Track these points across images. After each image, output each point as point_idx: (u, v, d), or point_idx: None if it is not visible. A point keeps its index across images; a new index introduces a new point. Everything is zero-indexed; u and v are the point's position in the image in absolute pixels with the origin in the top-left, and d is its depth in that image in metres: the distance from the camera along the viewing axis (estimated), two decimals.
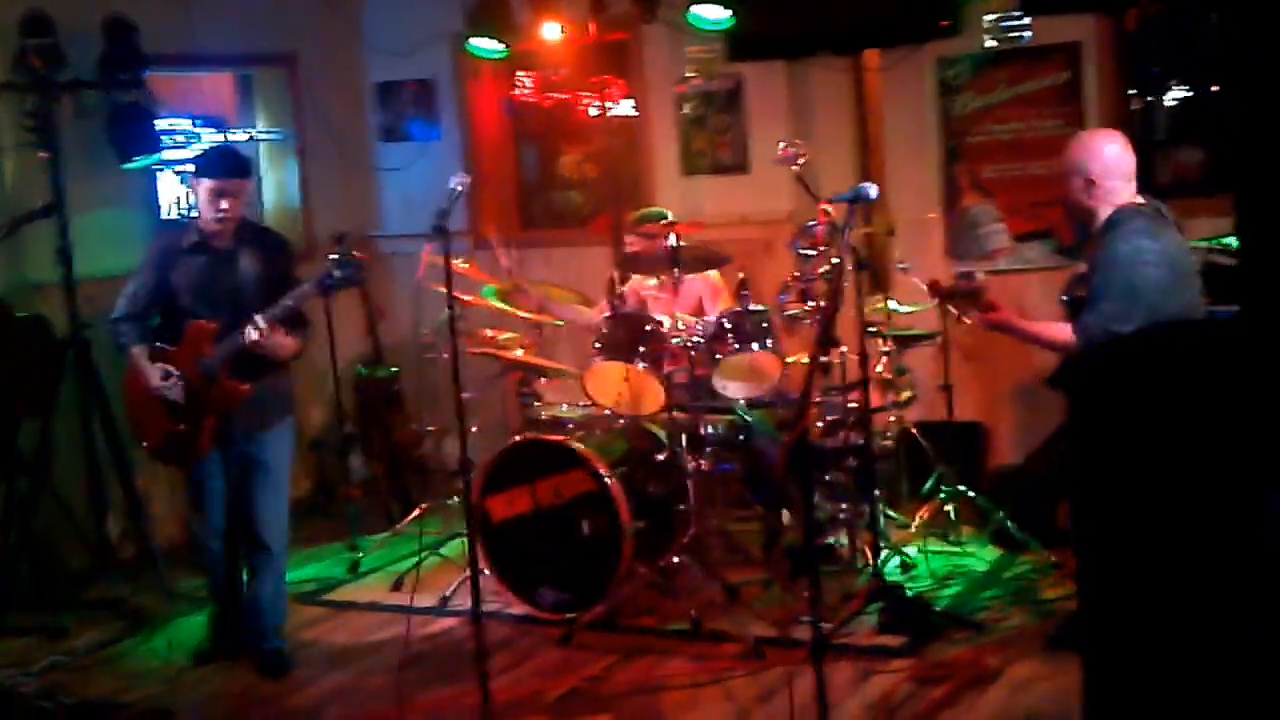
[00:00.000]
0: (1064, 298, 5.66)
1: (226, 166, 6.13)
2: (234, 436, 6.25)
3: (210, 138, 8.93)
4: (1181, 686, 4.01)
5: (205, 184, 6.08)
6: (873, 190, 5.37)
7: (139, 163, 7.96)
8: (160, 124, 8.35)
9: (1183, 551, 4.19)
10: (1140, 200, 5.45)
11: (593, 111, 8.57)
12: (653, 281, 7.44)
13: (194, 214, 6.30)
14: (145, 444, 6.43)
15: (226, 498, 6.37)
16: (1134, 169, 5.46)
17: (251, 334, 5.89)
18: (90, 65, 7.81)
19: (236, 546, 6.46)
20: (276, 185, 9.50)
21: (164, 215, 8.66)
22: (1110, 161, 5.41)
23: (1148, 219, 5.36)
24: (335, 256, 5.95)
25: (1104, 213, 5.40)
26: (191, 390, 6.13)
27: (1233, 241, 6.29)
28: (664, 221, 7.07)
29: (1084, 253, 5.74)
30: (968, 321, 6.52)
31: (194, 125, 8.92)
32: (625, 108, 9.06)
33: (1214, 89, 7.50)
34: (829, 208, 6.41)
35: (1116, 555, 4.75)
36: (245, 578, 6.49)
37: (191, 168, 6.49)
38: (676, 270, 6.69)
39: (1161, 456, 4.64)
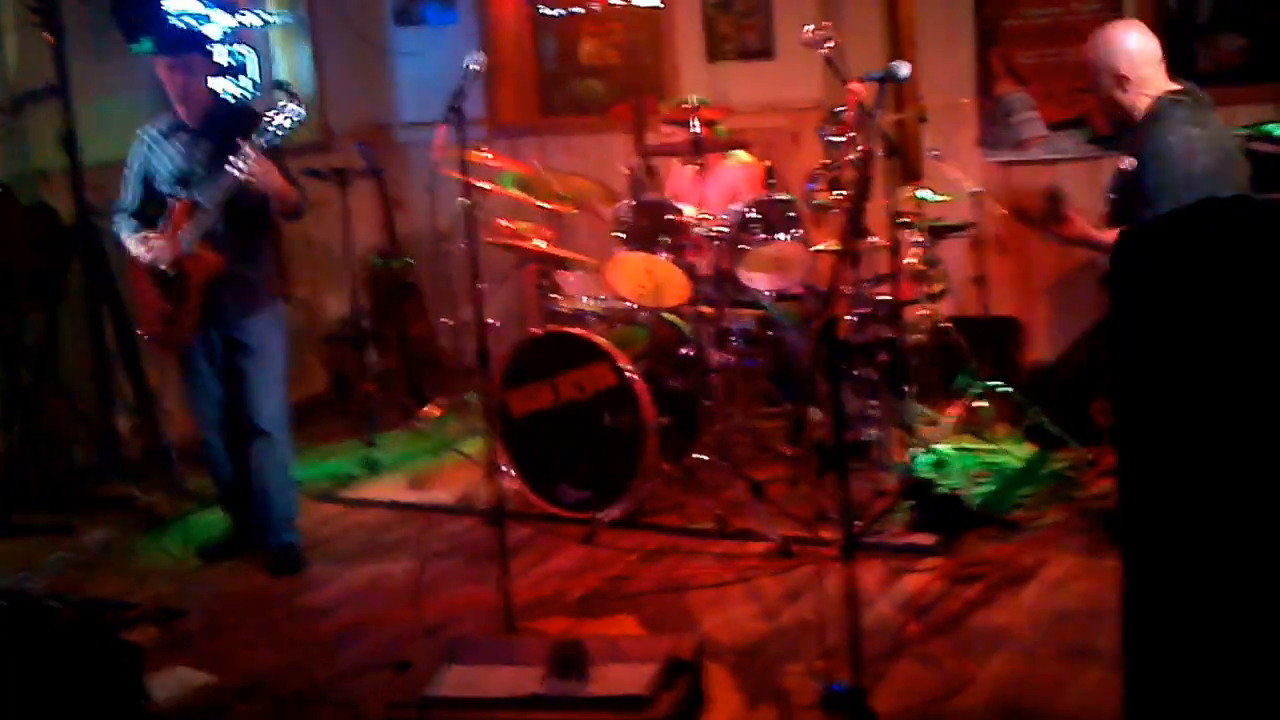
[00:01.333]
0: (1111, 195, 5.46)
1: (175, 42, 6.25)
2: (221, 320, 6.17)
3: (220, 19, 8.70)
4: (1225, 580, 3.87)
5: (159, 62, 6.12)
6: (904, 69, 5.17)
7: (145, 45, 7.73)
8: (168, 5, 8.11)
9: (1230, 441, 4.02)
10: (1175, 86, 5.25)
11: None
12: (687, 168, 7.24)
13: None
14: (143, 331, 6.43)
15: (218, 385, 6.31)
16: (1160, 53, 5.27)
17: (238, 165, 5.81)
18: None
19: (236, 439, 6.36)
20: (288, 71, 9.28)
21: (170, 95, 8.48)
22: (1136, 52, 5.25)
23: (1189, 107, 5.20)
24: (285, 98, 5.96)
25: (1142, 105, 5.22)
26: (178, 267, 6.07)
27: (1275, 128, 6.10)
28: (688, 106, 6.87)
29: (1127, 145, 5.52)
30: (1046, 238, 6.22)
31: (203, 6, 8.67)
32: None
33: None
34: (859, 88, 6.17)
35: (1160, 447, 4.60)
36: (250, 469, 6.37)
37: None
38: (701, 156, 6.52)
39: (1210, 343, 4.46)
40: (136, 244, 6.18)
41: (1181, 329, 4.72)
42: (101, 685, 4.61)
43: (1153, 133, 5.18)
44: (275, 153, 5.99)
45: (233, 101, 6.77)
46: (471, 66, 5.32)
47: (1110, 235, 5.36)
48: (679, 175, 7.24)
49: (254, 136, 5.84)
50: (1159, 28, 6.33)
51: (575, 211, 7.29)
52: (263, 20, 9.14)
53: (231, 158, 5.83)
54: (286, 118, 5.87)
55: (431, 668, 4.76)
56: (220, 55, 8.76)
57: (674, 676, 4.54)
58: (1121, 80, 5.22)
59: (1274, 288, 3.76)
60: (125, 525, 6.96)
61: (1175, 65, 5.36)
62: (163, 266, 6.09)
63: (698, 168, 7.15)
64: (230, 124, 6.10)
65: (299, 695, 5.06)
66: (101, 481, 7.47)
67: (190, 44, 6.23)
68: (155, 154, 6.21)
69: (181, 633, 5.67)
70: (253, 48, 9.08)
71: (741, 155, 7.30)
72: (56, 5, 7.30)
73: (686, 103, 7.03)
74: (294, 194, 6.12)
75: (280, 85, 8.02)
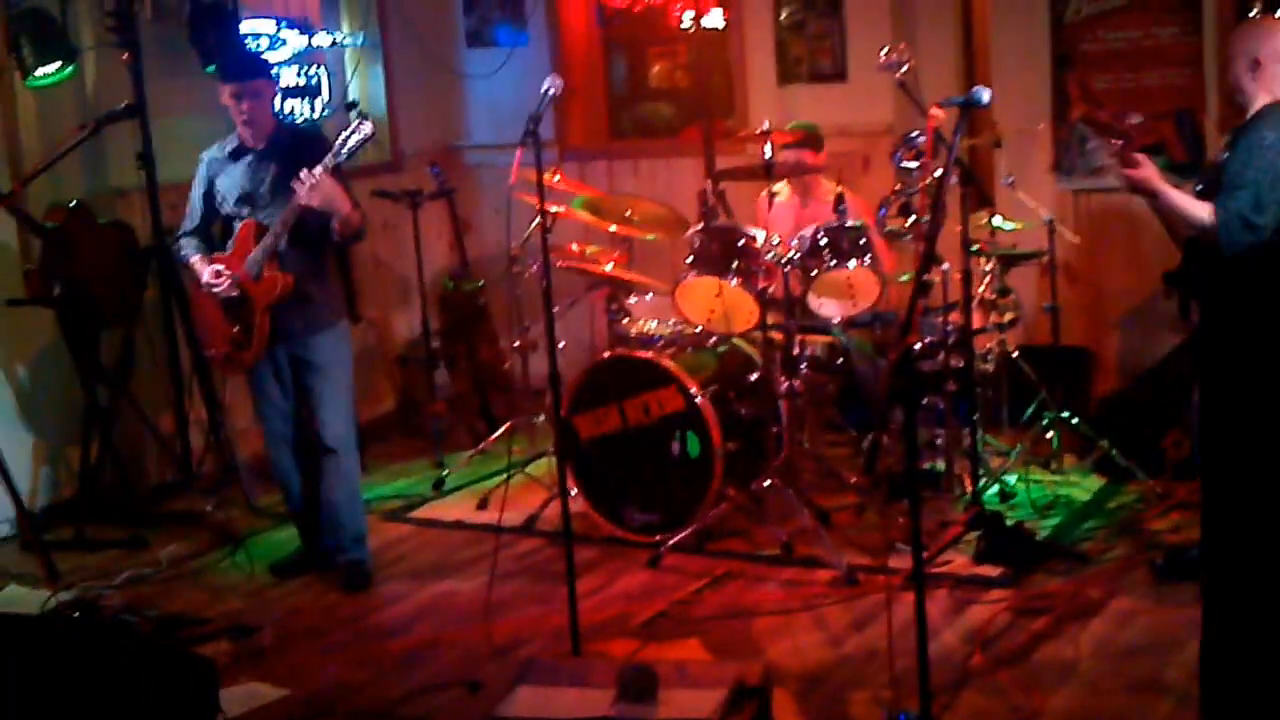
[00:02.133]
0: (1197, 187, 5.35)
1: (239, 67, 6.25)
2: (287, 341, 6.21)
3: (294, 41, 8.77)
4: None
5: (224, 88, 6.17)
6: (986, 94, 5.11)
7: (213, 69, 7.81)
8: (243, 26, 8.19)
9: None
10: None
11: (685, 19, 8.33)
12: (782, 193, 7.22)
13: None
14: (209, 352, 6.47)
15: (286, 405, 6.36)
16: None
17: (303, 184, 5.85)
18: None
19: (305, 456, 6.42)
20: (360, 92, 9.33)
21: (235, 119, 8.55)
22: (1276, 47, 5.12)
23: None
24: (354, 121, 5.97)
25: (1260, 100, 5.10)
26: (243, 290, 6.13)
27: None
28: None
29: (1229, 139, 5.42)
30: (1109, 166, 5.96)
31: (278, 28, 8.75)
32: (717, 15, 8.83)
33: None
34: (939, 112, 6.13)
35: (1248, 477, 4.54)
36: (319, 487, 6.42)
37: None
38: (772, 180, 6.51)
39: None
40: (201, 266, 6.24)
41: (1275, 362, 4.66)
42: (175, 700, 4.63)
43: (1254, 125, 5.06)
44: (339, 175, 6.03)
45: (299, 125, 6.78)
46: (550, 90, 5.32)
47: (1180, 196, 5.14)
48: (763, 201, 7.19)
49: (326, 157, 5.88)
50: None
51: (646, 236, 7.28)
52: (336, 42, 9.21)
53: (298, 179, 5.87)
54: (356, 138, 5.90)
55: (502, 688, 4.75)
56: (293, 76, 8.83)
57: (742, 702, 4.52)
58: (1255, 65, 5.07)
59: None
60: (198, 541, 7.02)
61: None
62: (220, 290, 6.14)
63: (786, 195, 7.15)
64: (296, 147, 6.16)
65: (370, 712, 5.10)
66: (175, 498, 7.55)
67: (254, 70, 6.27)
68: (218, 176, 6.27)
69: (254, 648, 5.69)
70: (326, 69, 9.14)
71: (830, 186, 7.25)
72: (134, 25, 7.37)
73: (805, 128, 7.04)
74: (358, 216, 6.13)
75: (350, 105, 8.09)
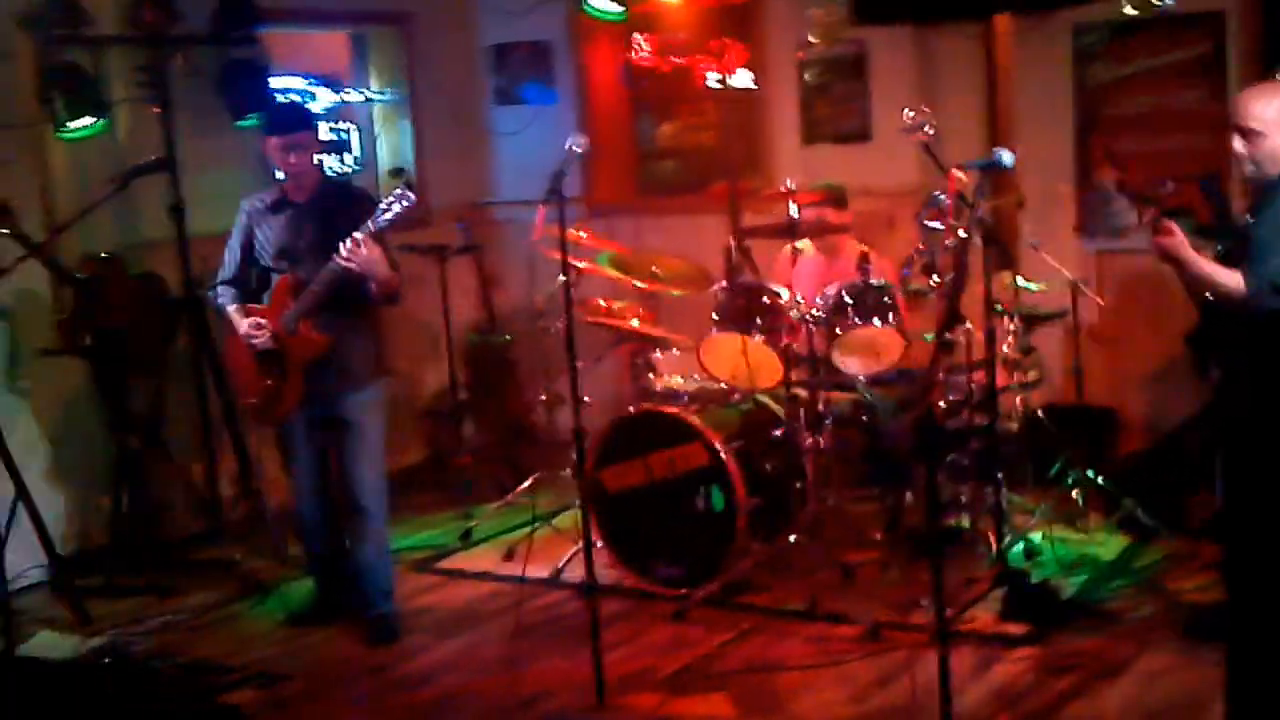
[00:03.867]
0: (1219, 249, 5.37)
1: (286, 120, 6.28)
2: (322, 398, 6.23)
3: (324, 96, 8.88)
4: None
5: (270, 141, 6.20)
6: (1009, 157, 5.16)
7: (252, 121, 7.90)
8: (273, 82, 8.30)
9: None
10: None
11: (712, 78, 8.41)
12: (807, 251, 7.28)
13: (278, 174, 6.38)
14: (244, 401, 6.54)
15: (316, 460, 6.39)
16: None
17: (343, 251, 5.85)
18: (204, 20, 7.76)
19: (331, 510, 6.46)
20: (389, 148, 9.43)
21: (278, 174, 8.66)
22: None
23: None
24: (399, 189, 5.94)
25: (1273, 166, 5.13)
26: (279, 344, 6.16)
27: None
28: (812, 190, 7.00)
29: (1250, 202, 5.44)
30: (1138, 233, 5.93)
31: (307, 84, 8.86)
32: (744, 76, 8.90)
33: None
34: (961, 174, 6.18)
35: (1272, 541, 4.56)
36: (348, 543, 6.47)
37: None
38: (799, 240, 6.56)
39: None
40: (238, 315, 6.28)
41: None
42: None
43: (1277, 191, 5.10)
44: (381, 238, 6.05)
45: (344, 181, 6.82)
46: (573, 148, 5.39)
47: (1210, 266, 5.13)
48: (788, 259, 7.23)
49: (367, 223, 5.88)
50: None
51: (672, 292, 7.33)
52: (366, 97, 9.31)
53: (342, 242, 5.86)
54: (399, 206, 5.86)
55: None
56: (323, 131, 8.92)
57: None
58: (1262, 134, 5.12)
59: None
60: (226, 590, 7.07)
61: None
62: (258, 343, 6.17)
63: (812, 253, 7.21)
64: (339, 204, 6.20)
65: None
66: (204, 546, 7.61)
67: (301, 122, 6.31)
68: (259, 227, 6.29)
69: (282, 697, 5.74)
70: (355, 124, 9.24)
71: (855, 245, 7.32)
72: (165, 80, 7.50)
73: (831, 189, 7.14)
74: (396, 280, 6.16)
75: (397, 172, 8.13)
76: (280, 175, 6.27)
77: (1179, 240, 5.13)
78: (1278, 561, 4.55)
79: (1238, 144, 5.13)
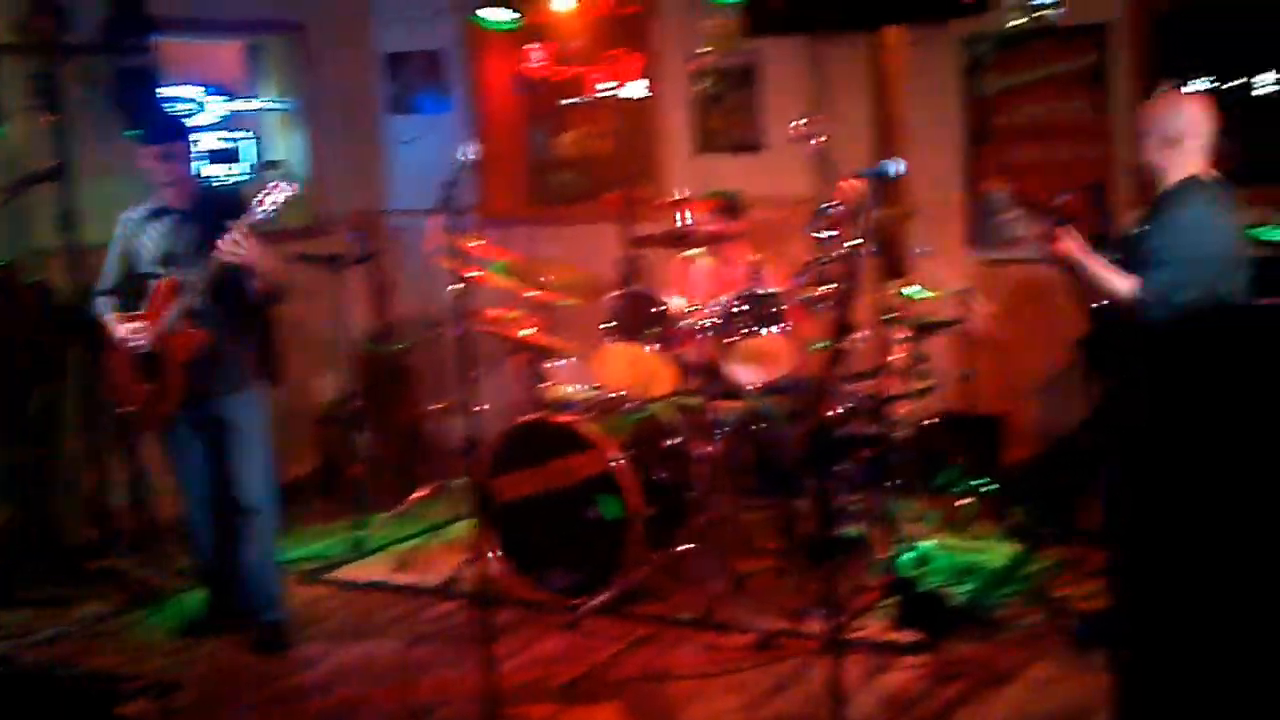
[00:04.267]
0: (1115, 256, 5.48)
1: (160, 131, 6.30)
2: (203, 398, 6.23)
3: (216, 106, 8.81)
4: (1220, 687, 3.90)
5: (145, 151, 6.22)
6: (897, 166, 5.23)
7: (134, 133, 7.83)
8: (166, 91, 8.22)
9: (1228, 546, 4.07)
10: (1211, 175, 5.29)
11: (605, 87, 8.44)
12: (699, 259, 7.30)
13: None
14: (124, 409, 6.50)
15: (201, 465, 6.38)
16: (1213, 137, 5.28)
17: (227, 239, 5.88)
18: (96, 29, 7.67)
19: (219, 516, 6.44)
20: (283, 157, 9.36)
21: (155, 182, 8.61)
22: (1191, 122, 5.25)
23: (1215, 194, 5.22)
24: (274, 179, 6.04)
25: (1174, 175, 5.24)
26: (161, 344, 6.16)
27: (1263, 233, 6.17)
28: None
29: (1145, 212, 5.54)
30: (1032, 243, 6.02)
31: (201, 93, 8.79)
32: (638, 85, 8.95)
33: (1247, 77, 7.35)
34: (850, 184, 6.24)
35: (1157, 545, 4.63)
36: (235, 547, 6.42)
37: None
38: (692, 249, 6.61)
39: (1212, 443, 4.50)
40: (122, 329, 6.24)
41: (1184, 433, 4.77)
42: None
43: (1173, 201, 5.19)
44: (261, 235, 6.06)
45: (220, 186, 6.83)
46: (465, 157, 5.39)
47: (1104, 270, 5.25)
48: (681, 268, 7.26)
49: (244, 216, 5.92)
50: None
51: (565, 301, 7.34)
52: (259, 106, 9.24)
53: (220, 238, 5.90)
54: (279, 195, 5.94)
55: None
56: (216, 141, 8.85)
57: None
58: (1169, 141, 5.21)
59: (1271, 395, 3.81)
60: (119, 600, 6.99)
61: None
62: (140, 345, 6.15)
63: (704, 261, 7.25)
64: (217, 207, 6.20)
65: None
66: (97, 557, 7.49)
67: (173, 133, 6.35)
68: (138, 237, 6.29)
69: (175, 708, 5.67)
70: (249, 133, 9.17)
71: (747, 254, 7.39)
72: (58, 88, 7.40)
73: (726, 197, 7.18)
74: (279, 274, 6.19)
75: (273, 163, 8.12)
76: (155, 182, 6.27)
77: (1076, 244, 5.23)
78: (1161, 567, 4.62)
79: (1153, 153, 5.24)
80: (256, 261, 5.99)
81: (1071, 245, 5.26)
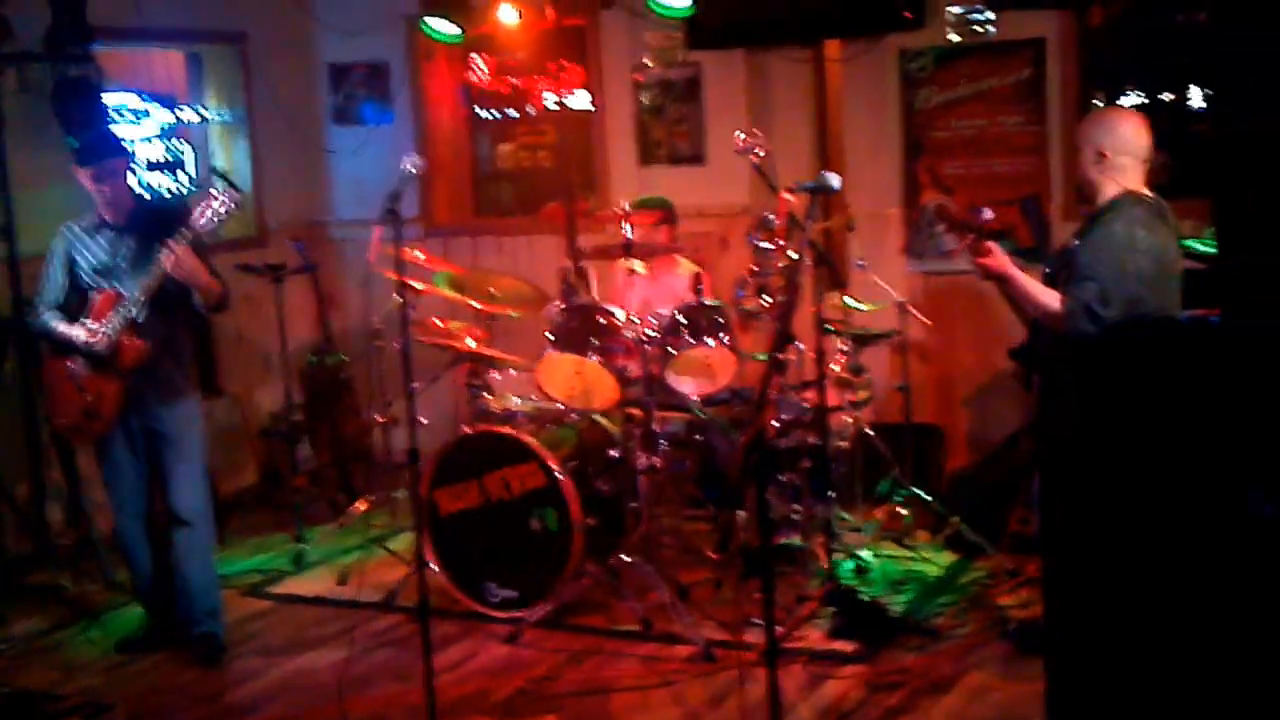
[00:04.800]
0: (1046, 269, 5.54)
1: (93, 150, 6.24)
2: (140, 410, 6.20)
3: (159, 115, 8.77)
4: (1152, 693, 3.95)
5: (80, 172, 6.19)
6: (836, 180, 5.26)
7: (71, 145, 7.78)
8: (107, 99, 8.18)
9: (1159, 552, 4.12)
10: (1146, 191, 5.35)
11: (549, 98, 8.45)
12: (641, 271, 7.33)
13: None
14: (60, 421, 6.41)
15: (136, 478, 6.33)
16: (1148, 153, 5.35)
17: (166, 256, 5.87)
18: (36, 38, 7.62)
19: (154, 530, 6.40)
20: (226, 167, 9.33)
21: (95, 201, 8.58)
22: (1125, 139, 5.30)
23: (1147, 210, 5.27)
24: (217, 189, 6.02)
25: (1108, 191, 5.29)
26: (97, 356, 6.10)
27: (1194, 244, 6.24)
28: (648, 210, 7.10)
29: (1079, 227, 5.59)
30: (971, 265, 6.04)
31: (142, 101, 8.75)
32: (581, 96, 8.97)
33: (1178, 91, 7.45)
34: (790, 196, 6.29)
35: (1088, 553, 4.69)
36: (172, 560, 6.39)
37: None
38: (630, 260, 6.64)
39: (1140, 453, 4.57)
40: (72, 328, 6.14)
41: (1113, 441, 4.84)
42: None
43: (1104, 218, 5.25)
44: (200, 246, 6.06)
45: (159, 199, 6.81)
46: (408, 168, 5.40)
47: (1033, 286, 5.30)
48: (622, 278, 7.27)
49: (182, 229, 5.90)
50: None
51: (509, 313, 7.34)
52: (201, 117, 9.21)
53: (159, 251, 5.89)
54: (221, 205, 5.93)
55: None
56: (157, 151, 8.82)
57: None
58: (1100, 157, 5.27)
59: (1197, 405, 3.87)
60: (54, 616, 6.94)
61: None
62: (98, 346, 6.06)
63: (645, 272, 7.28)
64: (157, 220, 6.18)
65: None
66: (32, 571, 7.44)
67: (108, 150, 6.30)
68: (77, 249, 6.25)
69: None
70: (190, 144, 9.14)
71: (687, 264, 7.44)
72: None
73: (651, 205, 7.24)
74: (218, 287, 6.18)
75: (216, 172, 8.09)
76: (96, 200, 6.24)
77: (1000, 260, 5.29)
78: (1091, 575, 4.68)
79: (1088, 169, 5.30)
80: (195, 274, 5.98)
81: (998, 260, 5.33)
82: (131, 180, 6.41)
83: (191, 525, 6.31)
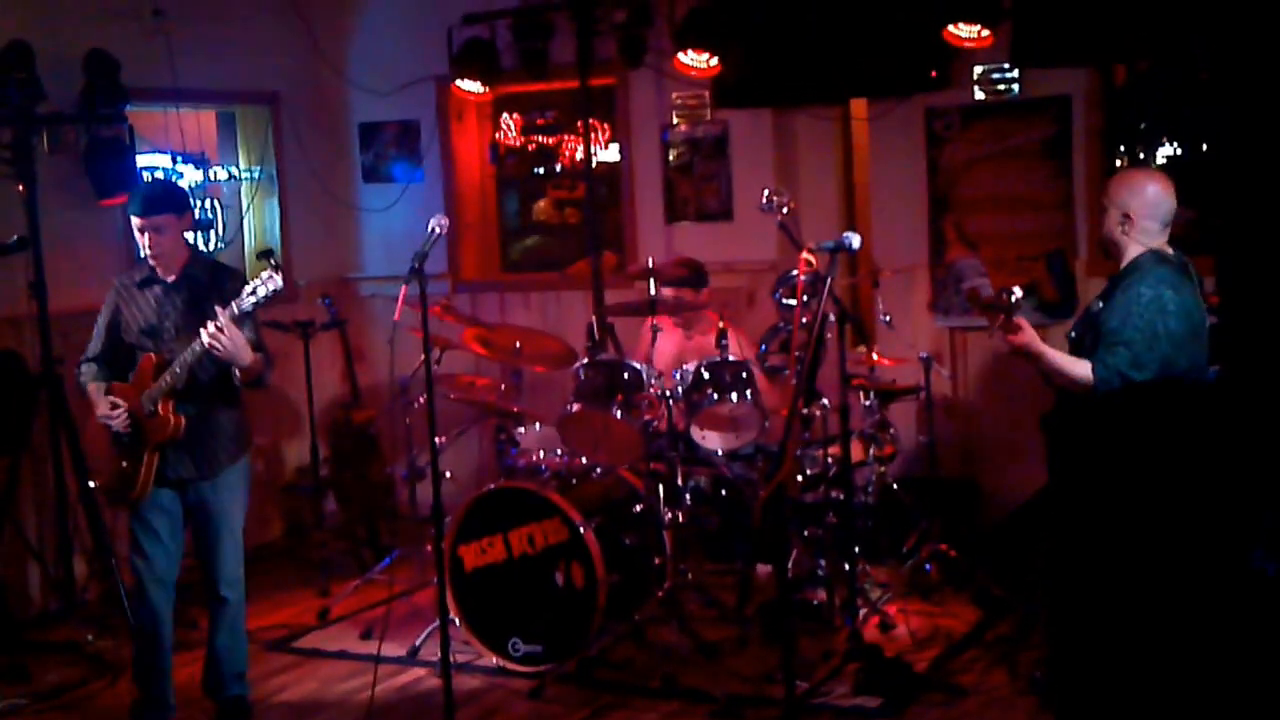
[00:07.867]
0: (1071, 334, 5.53)
1: (147, 202, 6.08)
2: (178, 484, 6.06)
3: (190, 175, 8.86)
4: None
5: (133, 221, 6.09)
6: (855, 240, 5.28)
7: (122, 199, 7.84)
8: (140, 160, 8.26)
9: (1162, 607, 4.13)
10: (1169, 250, 5.35)
11: (577, 157, 8.51)
12: (666, 326, 7.35)
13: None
14: (95, 483, 6.35)
15: (172, 545, 6.14)
16: (1172, 215, 5.35)
17: (209, 329, 5.70)
18: (70, 98, 7.72)
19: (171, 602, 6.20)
20: (257, 226, 9.42)
21: (142, 252, 8.64)
22: (1150, 203, 5.29)
23: (1172, 269, 5.27)
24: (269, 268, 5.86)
25: (1132, 252, 5.29)
26: (136, 424, 5.99)
27: None
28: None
29: (1105, 288, 5.59)
30: (992, 338, 6.10)
31: (174, 162, 8.83)
32: (610, 153, 9.03)
33: (1202, 148, 7.43)
34: (810, 256, 6.30)
35: (1092, 607, 4.70)
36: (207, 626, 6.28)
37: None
38: (656, 318, 6.66)
39: (1142, 511, 4.58)
40: (103, 405, 6.03)
41: (1115, 499, 4.86)
42: None
43: (1130, 280, 5.23)
44: (247, 319, 5.89)
45: (212, 259, 6.65)
46: (434, 228, 5.42)
47: (1061, 359, 5.28)
48: (661, 335, 7.26)
49: (231, 305, 5.73)
50: None
51: (535, 368, 7.37)
52: (233, 175, 9.29)
53: (204, 325, 5.72)
54: (265, 289, 5.74)
55: None
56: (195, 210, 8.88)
57: None
58: (1126, 219, 5.27)
59: (1199, 466, 3.88)
60: (78, 671, 6.93)
61: None
62: (114, 425, 5.98)
63: (679, 329, 7.31)
64: (208, 282, 6.08)
65: None
66: (58, 625, 7.45)
67: (163, 203, 6.10)
68: (126, 304, 6.13)
69: None
70: (221, 203, 9.21)
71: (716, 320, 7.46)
72: (30, 156, 7.41)
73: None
74: (259, 364, 5.99)
75: (265, 254, 8.08)
76: (144, 253, 6.10)
77: (1029, 337, 5.30)
78: (1097, 629, 4.69)
79: (1112, 229, 5.31)
80: (235, 354, 5.78)
81: (1027, 337, 5.34)
82: (188, 235, 6.27)
83: (229, 600, 6.17)
